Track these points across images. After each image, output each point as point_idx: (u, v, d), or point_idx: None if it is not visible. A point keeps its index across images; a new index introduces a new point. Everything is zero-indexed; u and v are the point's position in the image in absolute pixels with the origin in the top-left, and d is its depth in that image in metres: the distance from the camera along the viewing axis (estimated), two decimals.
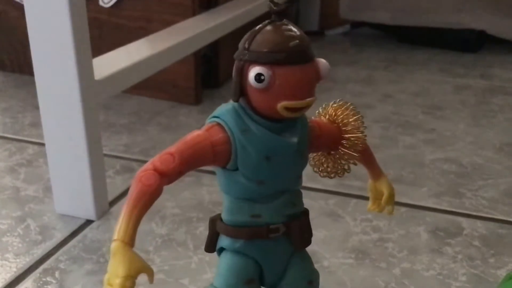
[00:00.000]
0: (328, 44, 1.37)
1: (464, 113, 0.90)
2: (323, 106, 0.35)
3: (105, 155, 0.62)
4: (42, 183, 0.65)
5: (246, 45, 0.29)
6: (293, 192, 0.33)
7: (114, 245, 0.27)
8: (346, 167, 0.35)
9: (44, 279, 0.48)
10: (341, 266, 0.50)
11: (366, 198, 0.64)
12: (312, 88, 0.30)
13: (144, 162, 0.70)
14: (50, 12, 0.50)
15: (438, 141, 0.79)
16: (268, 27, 0.30)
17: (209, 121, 0.31)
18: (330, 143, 0.34)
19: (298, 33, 0.30)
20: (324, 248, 0.53)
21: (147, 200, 0.29)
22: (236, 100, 0.30)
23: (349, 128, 0.34)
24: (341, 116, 0.34)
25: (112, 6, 0.91)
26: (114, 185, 0.65)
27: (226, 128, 0.30)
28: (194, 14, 0.88)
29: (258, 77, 0.29)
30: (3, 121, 0.84)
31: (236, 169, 0.31)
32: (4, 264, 0.50)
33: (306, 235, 0.34)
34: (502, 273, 0.50)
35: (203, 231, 0.56)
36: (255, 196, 0.32)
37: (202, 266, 0.50)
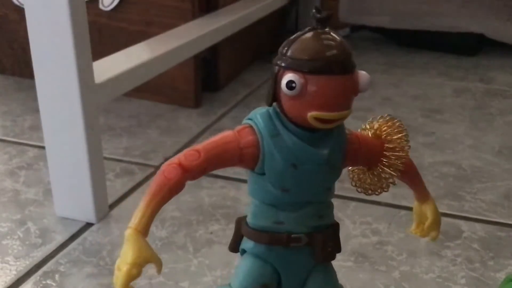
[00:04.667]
0: None
1: (464, 116, 0.91)
2: (370, 119, 0.34)
3: (105, 158, 0.62)
4: (42, 186, 0.65)
5: (284, 51, 0.29)
6: (321, 204, 0.32)
7: (127, 232, 0.28)
8: (384, 185, 0.33)
9: (44, 282, 0.49)
10: (340, 269, 0.50)
11: (366, 201, 0.65)
12: (347, 101, 0.29)
13: (144, 165, 0.71)
14: (50, 16, 0.50)
15: (438, 144, 0.79)
16: (308, 34, 0.29)
17: (243, 123, 0.31)
18: (370, 158, 0.33)
19: (338, 43, 0.29)
20: None
21: (166, 192, 0.29)
22: (269, 105, 0.30)
23: (392, 145, 0.32)
24: (386, 132, 0.33)
25: (112, 10, 0.91)
26: (114, 188, 0.65)
27: (256, 131, 0.30)
28: (193, 17, 0.88)
29: (290, 84, 0.28)
30: (3, 124, 0.84)
31: (263, 173, 0.31)
32: (4, 267, 0.51)
33: (329, 249, 0.33)
34: (501, 276, 0.50)
35: (202, 234, 0.56)
36: (279, 203, 0.31)
37: (202, 269, 0.50)
